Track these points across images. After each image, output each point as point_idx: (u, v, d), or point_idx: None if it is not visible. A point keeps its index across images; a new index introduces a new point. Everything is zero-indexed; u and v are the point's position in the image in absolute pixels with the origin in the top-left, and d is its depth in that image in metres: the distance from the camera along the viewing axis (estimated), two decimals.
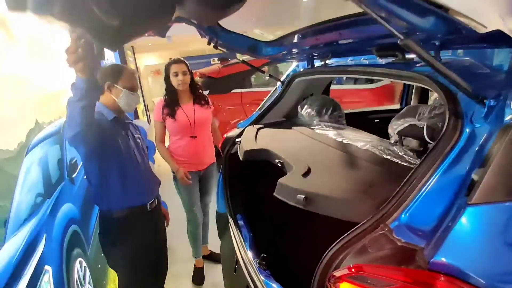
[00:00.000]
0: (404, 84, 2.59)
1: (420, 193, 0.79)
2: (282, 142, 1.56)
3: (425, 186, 0.79)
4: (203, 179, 2.47)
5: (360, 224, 0.82)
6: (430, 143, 1.05)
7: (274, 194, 1.15)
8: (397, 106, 2.67)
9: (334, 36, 1.19)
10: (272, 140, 1.63)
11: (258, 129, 1.81)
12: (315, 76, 1.72)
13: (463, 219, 0.66)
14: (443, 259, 0.62)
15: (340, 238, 0.82)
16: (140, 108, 7.93)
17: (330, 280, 0.74)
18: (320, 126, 1.70)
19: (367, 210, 0.85)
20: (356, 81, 5.06)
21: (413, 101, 2.59)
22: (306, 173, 1.15)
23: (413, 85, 2.57)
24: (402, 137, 1.18)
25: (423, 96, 2.55)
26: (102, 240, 1.63)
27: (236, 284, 1.54)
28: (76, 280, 1.64)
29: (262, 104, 2.11)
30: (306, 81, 1.89)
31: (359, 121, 2.03)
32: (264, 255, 1.47)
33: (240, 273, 1.52)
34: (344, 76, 4.67)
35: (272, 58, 1.98)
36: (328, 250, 0.82)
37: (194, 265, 2.62)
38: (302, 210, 2.41)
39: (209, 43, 1.55)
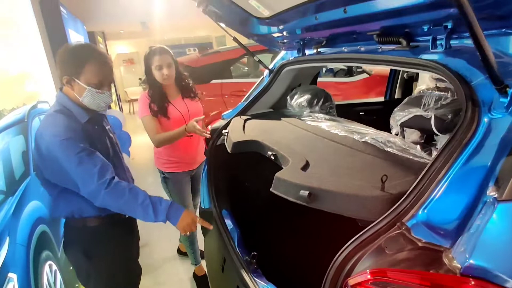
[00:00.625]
0: (389, 77, 2.58)
1: (438, 188, 0.73)
2: (273, 133, 1.47)
3: (444, 181, 0.73)
4: (194, 179, 2.25)
5: (375, 223, 0.75)
6: (438, 135, 1.00)
7: (271, 189, 1.06)
8: (381, 98, 2.65)
9: (337, 14, 1.09)
10: (262, 131, 1.53)
11: (246, 120, 1.71)
12: (307, 65, 1.64)
13: (495, 217, 0.60)
14: (478, 262, 0.56)
15: (353, 239, 0.75)
16: (113, 98, 7.55)
17: (346, 284, 0.67)
18: (311, 117, 1.63)
19: (381, 207, 0.78)
20: (335, 74, 5.06)
21: (397, 94, 2.59)
22: (305, 167, 1.07)
23: (397, 78, 2.56)
24: (404, 128, 1.12)
25: (407, 89, 2.55)
26: (69, 252, 1.37)
27: (225, 284, 1.45)
28: (46, 285, 1.48)
29: (248, 94, 2.00)
30: (295, 70, 1.81)
31: (344, 113, 1.98)
32: (255, 253, 1.39)
33: (228, 272, 1.43)
34: (332, 66, 4.64)
35: (261, 40, 1.88)
36: (339, 253, 0.74)
37: (194, 273, 2.37)
38: (293, 206, 2.34)
39: (198, 6, 1.40)
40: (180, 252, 2.67)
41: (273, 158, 1.26)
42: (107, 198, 1.21)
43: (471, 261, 0.56)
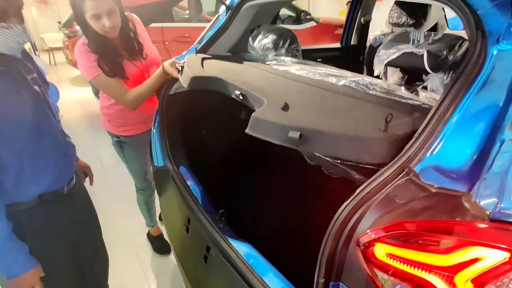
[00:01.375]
0: (346, 22, 2.49)
1: (447, 128, 0.66)
2: (237, 74, 1.28)
3: (452, 120, 0.66)
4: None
5: (382, 170, 0.67)
6: (428, 74, 0.94)
7: (246, 131, 0.91)
8: (337, 45, 2.58)
9: None
10: (224, 70, 1.33)
11: (204, 59, 1.48)
12: (271, 0, 1.44)
13: None
14: (509, 205, 0.51)
15: (357, 191, 0.67)
16: (27, 46, 6.41)
17: (359, 244, 0.58)
18: (277, 61, 1.47)
19: (386, 149, 0.70)
20: (283, 21, 4.85)
21: (353, 40, 2.53)
22: (285, 108, 0.93)
23: (354, 24, 2.48)
24: (386, 69, 1.04)
25: (363, 35, 2.50)
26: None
27: (192, 246, 1.33)
28: None
29: (201, 36, 1.75)
30: (256, 7, 1.59)
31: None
32: (223, 210, 1.28)
33: (195, 233, 1.32)
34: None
35: None
36: (343, 208, 0.66)
37: (149, 234, 2.22)
38: (259, 156, 2.24)
39: None
40: (150, 236, 2.32)
41: (241, 98, 1.08)
42: None
43: (502, 205, 0.51)
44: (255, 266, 1.04)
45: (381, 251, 0.55)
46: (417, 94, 0.94)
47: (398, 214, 0.59)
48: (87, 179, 1.47)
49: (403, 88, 0.97)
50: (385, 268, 0.54)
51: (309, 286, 0.95)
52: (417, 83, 1.00)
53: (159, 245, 2.18)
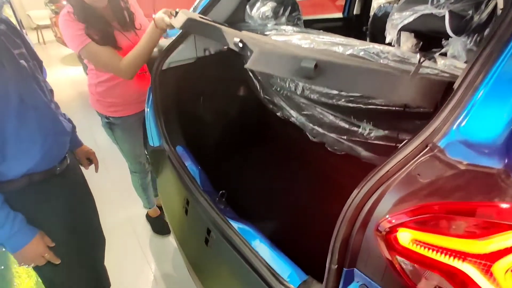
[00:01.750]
0: None
1: (476, 96, 0.58)
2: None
3: (483, 87, 0.58)
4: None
5: (402, 146, 0.59)
6: (449, 38, 0.84)
7: (246, 66, 0.83)
8: (339, 15, 2.44)
9: None
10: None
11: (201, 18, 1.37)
12: None
13: None
14: None
15: (375, 170, 0.59)
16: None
17: (380, 230, 0.52)
18: (277, 30, 1.36)
19: (415, 87, 0.62)
20: None
21: (356, 9, 2.39)
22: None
23: None
24: (400, 35, 0.95)
25: (367, 5, 2.37)
26: None
27: (191, 228, 1.28)
28: None
29: (194, 5, 1.62)
30: None
31: None
32: (223, 191, 1.22)
33: (194, 215, 1.26)
34: None
35: None
36: (358, 189, 0.59)
37: (148, 215, 2.16)
38: (257, 134, 2.16)
39: None
40: (149, 217, 2.26)
41: (240, 46, 0.99)
42: None
43: None
44: (258, 248, 0.99)
45: (406, 237, 0.48)
46: (434, 62, 0.85)
47: (423, 195, 0.52)
48: (92, 167, 1.41)
49: (418, 55, 0.88)
50: (410, 255, 0.48)
51: (315, 267, 0.91)
52: (433, 49, 0.91)
53: (158, 226, 2.13)
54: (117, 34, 1.47)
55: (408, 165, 0.58)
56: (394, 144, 1.09)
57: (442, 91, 0.62)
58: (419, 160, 0.58)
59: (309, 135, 1.49)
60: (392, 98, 0.64)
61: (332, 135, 1.36)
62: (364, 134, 1.20)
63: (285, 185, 1.56)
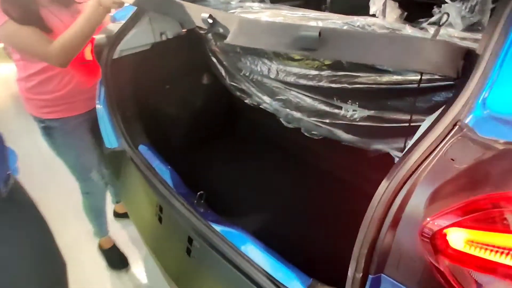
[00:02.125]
0: None
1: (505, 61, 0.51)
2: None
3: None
4: (96, 122, 1.40)
5: (426, 125, 0.51)
6: (443, 4, 0.78)
7: (226, 41, 0.71)
8: None
9: None
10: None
11: None
12: None
13: None
14: None
15: (400, 160, 0.51)
16: None
17: (424, 232, 0.43)
18: (242, 8, 1.22)
19: (439, 51, 0.54)
20: None
21: None
22: None
23: None
24: (385, 5, 0.86)
25: None
26: None
27: (169, 238, 1.13)
28: None
29: None
30: None
31: None
32: (201, 192, 1.08)
33: (170, 223, 1.11)
34: None
35: None
36: (386, 184, 0.49)
37: (100, 247, 1.76)
38: (228, 123, 2.01)
39: None
40: (117, 215, 1.98)
41: (210, 22, 0.86)
42: None
43: None
44: (250, 253, 0.88)
45: (458, 238, 0.40)
46: (426, 32, 0.78)
47: (466, 184, 0.44)
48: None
49: (407, 26, 0.81)
50: (465, 260, 0.41)
51: (316, 267, 0.83)
52: (420, 20, 0.84)
53: (114, 260, 1.74)
54: (45, 12, 1.21)
55: (438, 149, 0.49)
56: (380, 125, 1.04)
57: (463, 58, 0.55)
58: (448, 143, 0.50)
59: (283, 121, 1.39)
60: (412, 66, 0.57)
61: (311, 119, 1.28)
62: (347, 116, 1.13)
63: (265, 177, 1.46)
